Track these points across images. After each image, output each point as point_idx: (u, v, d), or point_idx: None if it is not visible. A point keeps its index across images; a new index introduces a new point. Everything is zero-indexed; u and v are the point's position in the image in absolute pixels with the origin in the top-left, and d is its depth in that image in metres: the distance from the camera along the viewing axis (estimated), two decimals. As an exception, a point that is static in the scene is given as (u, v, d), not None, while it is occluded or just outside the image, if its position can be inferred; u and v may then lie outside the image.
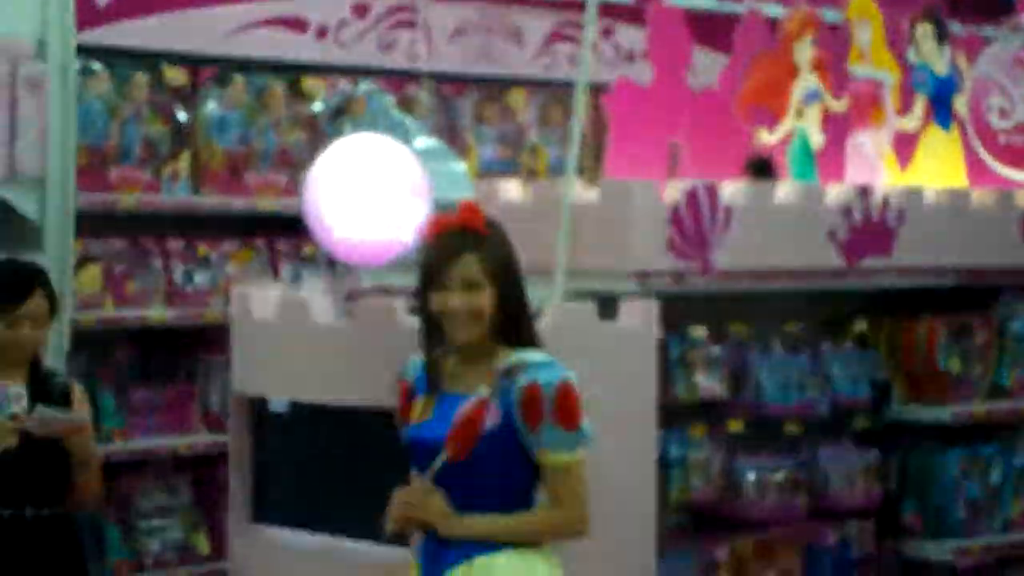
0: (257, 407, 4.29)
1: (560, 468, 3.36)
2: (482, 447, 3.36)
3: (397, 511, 3.40)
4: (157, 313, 5.54)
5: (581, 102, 4.29)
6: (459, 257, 3.36)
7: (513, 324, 3.40)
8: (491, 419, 3.34)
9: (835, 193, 4.73)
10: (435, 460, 3.36)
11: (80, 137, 5.31)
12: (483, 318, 3.36)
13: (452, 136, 6.31)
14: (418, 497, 3.38)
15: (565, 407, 3.33)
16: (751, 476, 4.55)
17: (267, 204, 5.79)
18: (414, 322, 3.93)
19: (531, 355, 3.37)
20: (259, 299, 4.29)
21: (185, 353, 5.75)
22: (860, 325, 4.91)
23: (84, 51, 5.37)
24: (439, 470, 3.36)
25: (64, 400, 4.05)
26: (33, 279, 4.05)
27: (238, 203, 5.74)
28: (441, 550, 3.38)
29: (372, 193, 4.04)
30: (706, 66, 5.24)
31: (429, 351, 3.45)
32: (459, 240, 3.38)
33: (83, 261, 5.36)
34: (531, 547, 3.39)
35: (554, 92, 6.62)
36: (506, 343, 3.39)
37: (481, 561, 3.35)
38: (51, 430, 3.90)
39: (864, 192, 4.77)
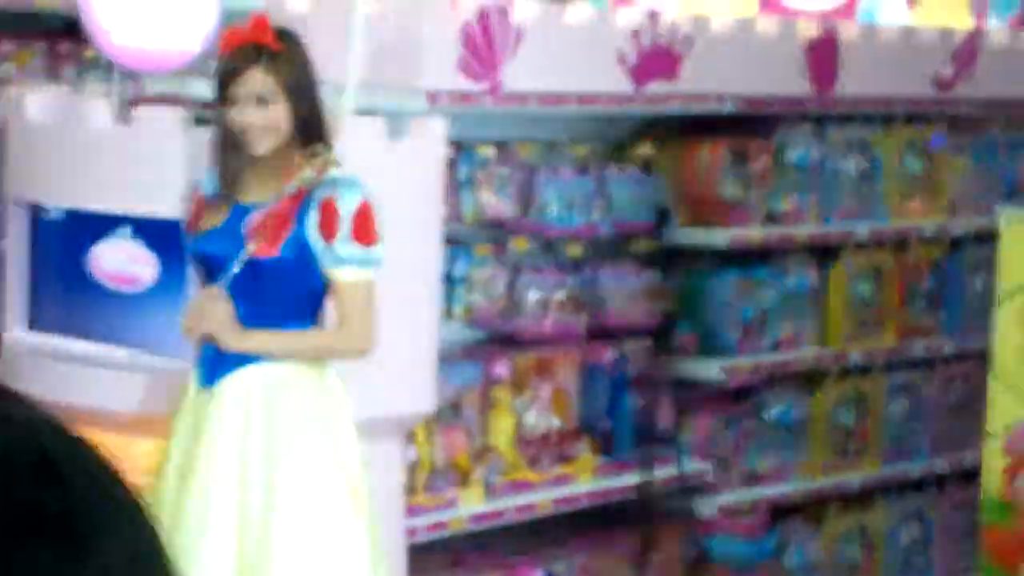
0: (33, 213, 4.19)
1: (349, 286, 3.38)
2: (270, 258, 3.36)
3: (185, 318, 3.41)
4: (-71, 113, 5.32)
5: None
6: (249, 72, 3.36)
7: (310, 137, 3.39)
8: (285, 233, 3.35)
9: (625, 16, 4.75)
10: (235, 259, 3.35)
11: None
12: (278, 131, 3.36)
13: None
14: (206, 304, 3.38)
15: (361, 225, 3.36)
16: (533, 295, 4.63)
17: (46, 3, 5.57)
18: (196, 132, 3.87)
19: (333, 171, 3.37)
20: (35, 101, 4.16)
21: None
22: (644, 149, 4.98)
23: None
24: (240, 267, 3.35)
25: None
26: None
27: (16, 1, 5.52)
28: (219, 357, 3.40)
29: (155, -2, 3.92)
30: None
31: (225, 163, 3.42)
32: (251, 54, 3.37)
33: None
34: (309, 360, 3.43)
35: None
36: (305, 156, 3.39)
37: (255, 369, 3.37)
38: None
39: (653, 16, 4.80)
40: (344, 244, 3.35)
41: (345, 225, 3.34)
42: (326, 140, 3.42)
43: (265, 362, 3.39)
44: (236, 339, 3.37)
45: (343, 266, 3.37)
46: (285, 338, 3.40)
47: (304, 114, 3.37)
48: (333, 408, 3.44)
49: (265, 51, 3.36)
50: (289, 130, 3.37)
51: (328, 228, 3.34)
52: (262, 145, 3.37)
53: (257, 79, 3.35)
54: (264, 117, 3.35)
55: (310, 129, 3.39)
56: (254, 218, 3.37)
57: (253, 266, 3.36)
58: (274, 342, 3.39)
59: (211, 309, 3.37)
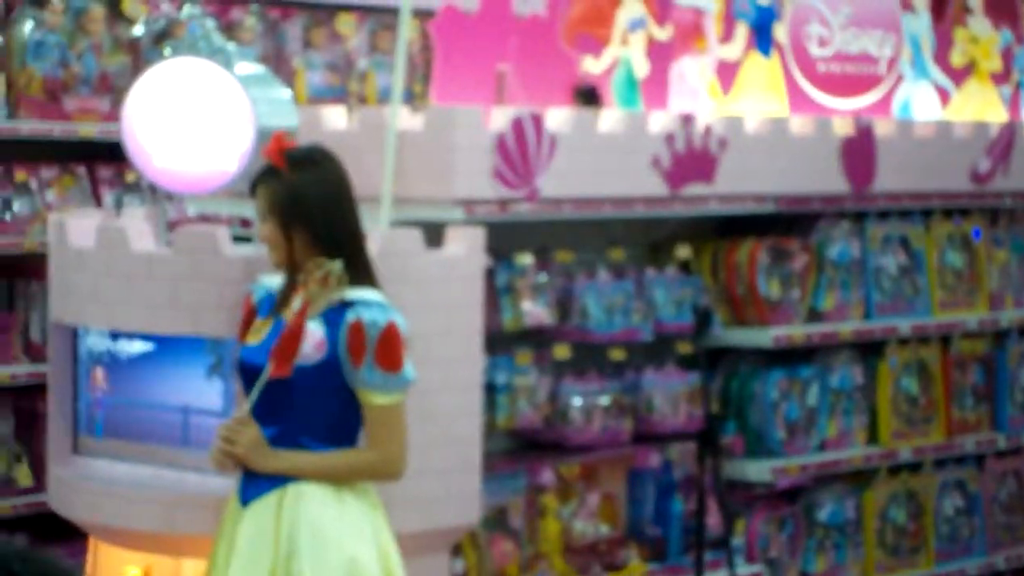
0: (76, 336, 4.22)
1: (377, 409, 3.39)
2: (306, 375, 3.36)
3: (215, 446, 3.41)
4: (-26, 241, 5.40)
5: (405, 27, 4.26)
6: (259, 189, 3.49)
7: (333, 254, 3.41)
8: (320, 349, 3.36)
9: (658, 121, 4.78)
10: (257, 384, 3.37)
11: None
12: (279, 247, 3.44)
13: (279, 62, 6.22)
14: (234, 430, 3.39)
15: (386, 349, 3.36)
16: (577, 401, 4.61)
17: (88, 130, 5.66)
18: (236, 250, 3.90)
19: (362, 293, 3.40)
20: (76, 227, 4.21)
21: (4, 281, 5.62)
22: (683, 251, 4.99)
23: None
24: (261, 391, 3.36)
25: None
26: None
27: (57, 129, 5.60)
28: (253, 476, 3.40)
29: (192, 120, 3.98)
30: (533, -7, 5.23)
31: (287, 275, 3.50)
32: (265, 172, 3.49)
33: None
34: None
35: (383, 17, 6.56)
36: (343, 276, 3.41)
37: (293, 489, 3.37)
38: None
39: (687, 120, 4.83)
40: (370, 368, 3.37)
41: (371, 349, 3.36)
42: (351, 256, 3.44)
43: (299, 481, 3.37)
44: (264, 461, 3.38)
45: (370, 389, 3.38)
46: (315, 459, 3.39)
47: (314, 232, 3.41)
48: (371, 524, 3.42)
49: (271, 169, 3.47)
50: (298, 247, 3.41)
51: (355, 351, 3.36)
52: (272, 259, 3.47)
53: (262, 196, 3.46)
54: (265, 232, 3.45)
55: (331, 246, 3.41)
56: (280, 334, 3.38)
57: (275, 386, 3.36)
58: (303, 463, 3.39)
59: (238, 433, 3.38)
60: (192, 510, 3.85)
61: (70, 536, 4.49)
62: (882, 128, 5.41)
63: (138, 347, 4.10)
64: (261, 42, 6.20)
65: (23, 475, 5.42)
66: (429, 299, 4.02)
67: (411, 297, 3.88)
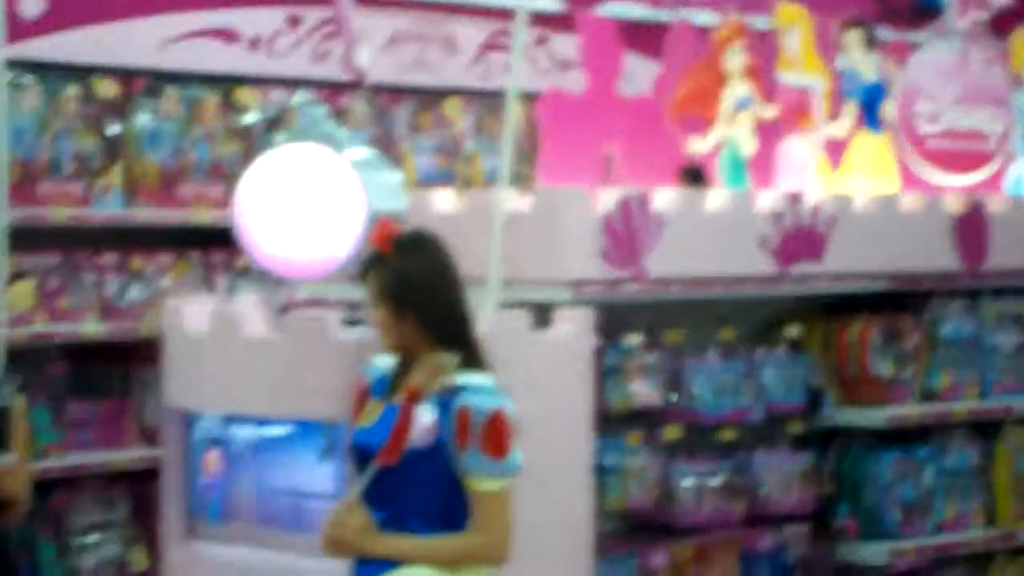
0: (190, 421, 4.28)
1: (482, 495, 3.39)
2: (415, 460, 3.37)
3: (325, 530, 3.43)
4: (91, 328, 5.50)
5: (512, 111, 4.30)
6: (368, 275, 3.52)
7: (441, 339, 3.43)
8: (430, 435, 3.37)
9: (766, 200, 4.76)
10: (367, 469, 3.38)
11: (11, 151, 5.27)
12: (389, 332, 3.46)
13: (388, 146, 6.30)
14: (343, 514, 3.41)
15: (492, 436, 3.37)
16: (687, 482, 4.57)
17: (201, 217, 5.76)
18: (346, 333, 3.94)
19: (471, 378, 3.42)
20: (191, 312, 4.27)
21: (120, 367, 5.71)
22: (793, 330, 4.95)
23: (14, 65, 5.33)
24: (370, 480, 3.38)
25: (1, 420, 4.01)
26: None
27: (172, 216, 5.71)
28: (368, 562, 3.40)
29: (304, 205, 4.03)
30: (638, 74, 5.27)
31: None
32: (373, 258, 3.53)
33: (15, 277, 5.31)
34: None
35: (489, 101, 6.63)
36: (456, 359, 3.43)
37: (403, 572, 3.37)
38: None
39: (795, 198, 4.81)
40: (475, 454, 3.37)
41: (476, 435, 3.36)
42: (460, 339, 3.45)
43: (410, 566, 3.37)
44: (372, 545, 3.39)
45: (476, 475, 3.38)
46: (422, 543, 3.39)
47: (423, 316, 3.43)
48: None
49: (378, 255, 3.51)
50: (408, 331, 3.43)
51: (462, 437, 3.37)
52: (384, 344, 3.50)
53: (372, 282, 3.49)
54: (377, 318, 3.47)
55: (440, 329, 3.43)
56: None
57: (386, 471, 3.38)
58: (410, 548, 3.39)
59: (348, 517, 3.39)
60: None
61: (184, 619, 4.52)
62: (994, 205, 5.35)
63: (250, 431, 4.14)
64: (370, 127, 6.28)
65: (139, 559, 5.48)
66: (538, 380, 4.02)
67: (520, 378, 3.88)
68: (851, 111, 5.28)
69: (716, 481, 4.62)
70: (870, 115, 5.31)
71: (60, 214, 5.43)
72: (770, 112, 5.05)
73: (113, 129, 5.65)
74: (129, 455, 5.52)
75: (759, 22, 5.16)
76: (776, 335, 4.93)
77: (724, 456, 4.70)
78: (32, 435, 4.49)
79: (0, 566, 4.01)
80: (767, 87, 5.04)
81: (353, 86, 6.21)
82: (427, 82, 6.60)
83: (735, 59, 4.97)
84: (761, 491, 4.73)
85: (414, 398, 3.37)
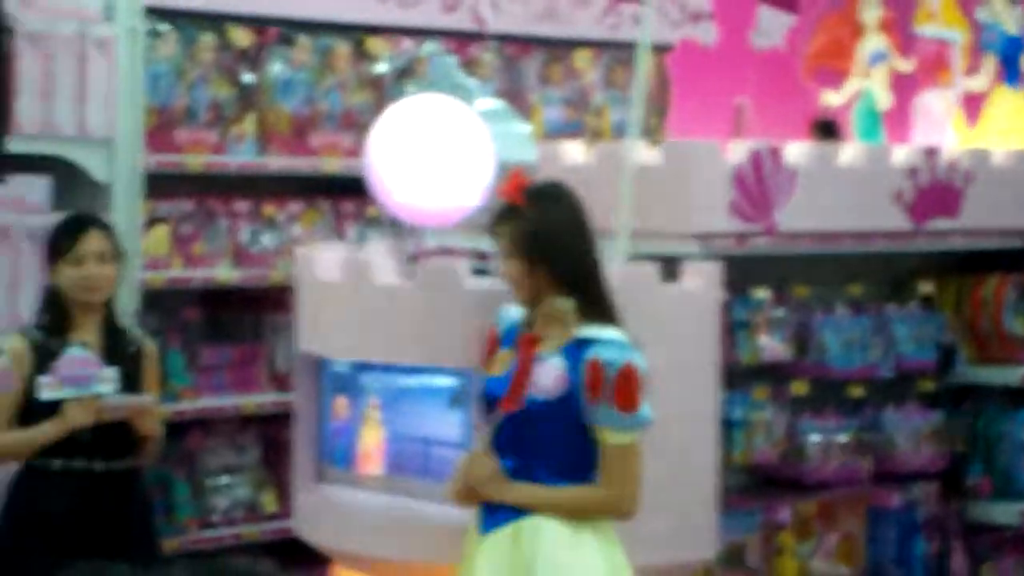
0: (321, 367, 4.34)
1: (612, 448, 3.39)
2: (544, 409, 3.39)
3: (456, 478, 3.46)
4: (224, 273, 5.58)
5: (643, 63, 4.28)
6: (499, 228, 3.52)
7: (573, 292, 3.43)
8: (558, 385, 3.38)
9: (901, 154, 4.69)
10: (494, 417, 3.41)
11: (148, 99, 5.35)
12: (521, 284, 3.44)
13: (517, 98, 6.29)
14: (473, 462, 3.43)
15: (624, 389, 3.37)
16: (815, 438, 4.54)
17: (332, 165, 5.81)
18: (476, 283, 3.96)
19: (602, 331, 3.41)
20: (322, 260, 4.32)
21: (252, 313, 5.79)
22: (925, 287, 4.88)
23: (151, 13, 5.40)
24: (498, 428, 3.40)
25: (134, 362, 4.13)
26: (87, 220, 4.25)
27: (303, 164, 5.76)
28: (495, 509, 3.43)
29: (434, 155, 4.05)
30: (771, 26, 5.21)
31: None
32: (504, 211, 3.52)
33: (151, 222, 5.41)
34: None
35: (619, 53, 6.59)
36: (582, 312, 3.42)
37: (530, 522, 3.39)
38: (118, 414, 4.00)
39: (931, 153, 4.73)
40: (606, 408, 3.38)
41: (608, 388, 3.36)
42: (590, 291, 3.45)
43: (536, 515, 3.39)
44: (500, 493, 3.42)
45: (606, 428, 3.38)
46: (549, 493, 3.41)
47: (556, 268, 3.42)
48: (608, 560, 3.41)
49: (510, 208, 3.49)
50: (541, 284, 3.42)
51: (593, 389, 3.38)
52: (518, 297, 3.48)
53: (503, 235, 3.49)
54: (506, 270, 3.47)
55: (571, 281, 3.43)
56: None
57: (515, 419, 3.39)
58: (537, 497, 3.41)
59: (477, 465, 3.42)
60: (432, 539, 3.90)
61: (314, 562, 4.60)
62: None
63: (380, 378, 4.18)
64: (499, 78, 6.28)
65: (269, 501, 5.57)
66: (665, 333, 4.01)
67: (647, 331, 3.87)
68: (991, 65, 5.17)
69: (844, 437, 4.59)
70: (1011, 70, 5.20)
71: (195, 161, 5.51)
72: (906, 65, 4.97)
73: (247, 78, 5.71)
74: (260, 399, 5.60)
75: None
76: (908, 291, 4.86)
77: (852, 413, 4.65)
78: (164, 377, 4.59)
79: (138, 504, 4.13)
80: (903, 40, 4.96)
81: (482, 37, 6.21)
82: (557, 33, 6.57)
83: (871, 12, 4.89)
84: (890, 449, 4.68)
85: (532, 344, 3.39)
